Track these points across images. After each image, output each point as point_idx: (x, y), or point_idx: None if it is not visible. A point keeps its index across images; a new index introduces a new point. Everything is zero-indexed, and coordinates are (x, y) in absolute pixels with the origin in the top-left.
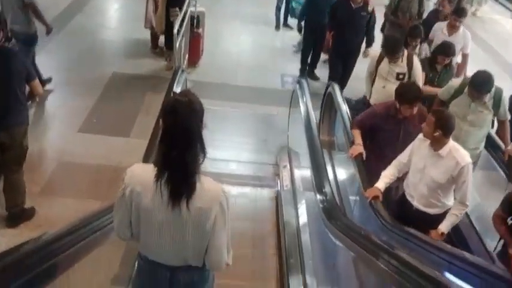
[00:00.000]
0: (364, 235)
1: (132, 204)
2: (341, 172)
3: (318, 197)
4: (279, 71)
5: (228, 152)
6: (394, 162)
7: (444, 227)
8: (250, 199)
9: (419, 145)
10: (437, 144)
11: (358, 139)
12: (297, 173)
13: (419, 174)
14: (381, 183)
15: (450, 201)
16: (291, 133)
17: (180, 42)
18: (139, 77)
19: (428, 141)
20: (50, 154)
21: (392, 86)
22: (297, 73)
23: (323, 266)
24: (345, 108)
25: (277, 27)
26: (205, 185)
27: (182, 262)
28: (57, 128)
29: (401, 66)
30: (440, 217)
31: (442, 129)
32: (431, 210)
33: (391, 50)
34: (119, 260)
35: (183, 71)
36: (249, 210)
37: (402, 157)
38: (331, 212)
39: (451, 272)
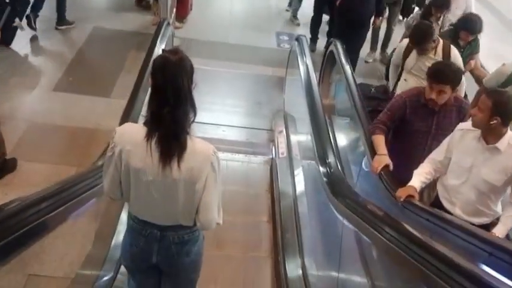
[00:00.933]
0: (380, 216)
1: (121, 163)
2: (341, 138)
3: (321, 169)
4: (274, 30)
5: (219, 116)
6: (428, 160)
7: (500, 231)
8: (242, 167)
9: (462, 138)
10: (492, 135)
11: (382, 147)
12: (294, 139)
13: (465, 175)
14: (416, 182)
15: (499, 207)
16: (288, 96)
17: None
18: (122, 33)
19: (475, 132)
20: (21, 114)
21: (423, 83)
22: (294, 32)
23: (322, 240)
24: (349, 68)
25: None
26: (196, 145)
27: (172, 222)
28: (30, 86)
29: (434, 60)
30: (486, 228)
31: (502, 115)
32: (478, 220)
33: (419, 40)
34: (92, 237)
35: (168, 24)
36: (241, 180)
37: (436, 155)
38: (338, 187)
39: (488, 265)
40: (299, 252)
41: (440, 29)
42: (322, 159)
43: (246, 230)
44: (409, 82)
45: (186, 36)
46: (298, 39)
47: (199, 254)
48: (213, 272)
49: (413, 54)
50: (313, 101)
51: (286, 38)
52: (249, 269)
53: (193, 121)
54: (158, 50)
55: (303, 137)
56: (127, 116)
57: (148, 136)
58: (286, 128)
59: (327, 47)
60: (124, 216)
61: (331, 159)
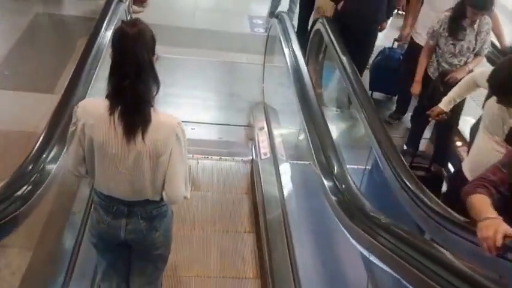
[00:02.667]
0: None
1: (85, 138)
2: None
3: (327, 183)
4: (246, 13)
5: (185, 111)
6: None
7: None
8: (216, 173)
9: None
10: None
11: (490, 210)
12: (278, 136)
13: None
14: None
15: None
16: (268, 86)
17: None
18: (70, 19)
19: None
20: None
21: (495, 146)
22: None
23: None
24: (343, 48)
25: None
26: (160, 117)
27: (139, 197)
28: None
29: None
30: None
31: None
32: None
33: (501, 90)
34: None
35: (121, 0)
36: (215, 189)
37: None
38: (356, 207)
39: None
40: (293, 280)
41: (476, 35)
42: (327, 170)
43: (224, 245)
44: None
45: (147, 22)
46: (279, 16)
47: (168, 230)
48: None
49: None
50: (304, 89)
51: (260, 22)
52: None
53: (156, 94)
54: (105, 34)
55: (289, 132)
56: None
57: (111, 110)
58: (268, 123)
59: (311, 27)
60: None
61: (338, 169)
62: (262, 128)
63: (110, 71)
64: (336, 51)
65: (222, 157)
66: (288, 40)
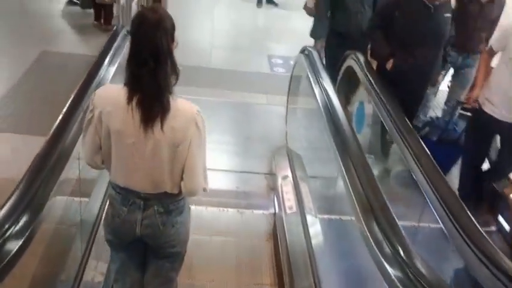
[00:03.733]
0: None
1: (102, 126)
2: None
3: (391, 270)
4: (265, 52)
5: None
6: None
7: None
8: (231, 231)
9: None
10: None
11: None
12: (305, 186)
13: None
14: None
15: None
16: (292, 129)
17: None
18: (76, 57)
19: None
20: None
21: None
22: (289, 53)
23: None
24: (383, 86)
25: (259, 2)
26: (179, 105)
27: (157, 189)
28: None
29: None
30: None
31: None
32: None
33: None
34: None
35: (128, 32)
36: (231, 251)
37: None
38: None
39: None
40: None
41: None
42: (391, 255)
43: None
44: None
45: None
46: (305, 52)
47: (185, 226)
48: None
49: None
50: (344, 136)
51: (280, 61)
52: None
53: (175, 83)
54: (107, 71)
55: (318, 182)
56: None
57: (129, 97)
58: (293, 171)
59: (343, 59)
60: None
61: (398, 237)
62: (286, 177)
63: (128, 58)
64: (374, 89)
65: (240, 209)
66: (317, 77)
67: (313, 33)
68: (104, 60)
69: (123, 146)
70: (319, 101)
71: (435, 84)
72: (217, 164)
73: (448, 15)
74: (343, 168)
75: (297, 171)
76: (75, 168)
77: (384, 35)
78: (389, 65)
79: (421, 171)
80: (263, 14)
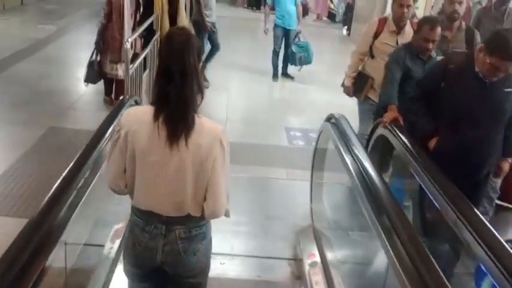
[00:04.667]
0: None
1: (127, 147)
2: None
3: None
4: (283, 125)
5: (213, 240)
6: None
7: None
8: None
9: None
10: None
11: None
12: (338, 275)
13: None
14: None
15: None
16: (318, 206)
17: (140, 70)
18: (83, 133)
19: None
20: None
21: None
22: (308, 126)
23: None
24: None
25: (275, 76)
26: (204, 123)
27: (179, 211)
28: None
29: None
30: None
31: None
32: None
33: None
34: None
35: (137, 102)
36: None
37: None
38: None
39: None
40: None
41: None
42: None
43: None
44: None
45: None
46: (332, 120)
47: (206, 256)
48: None
49: None
50: (391, 216)
51: (299, 134)
52: None
53: (200, 103)
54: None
55: (355, 270)
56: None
57: (156, 115)
58: (322, 256)
59: (373, 128)
60: None
61: None
62: (314, 264)
63: (155, 76)
64: (417, 161)
65: None
66: (349, 147)
67: (387, 98)
68: (105, 133)
69: (148, 165)
70: (352, 171)
71: (499, 174)
72: (234, 248)
73: (510, 90)
74: (390, 248)
75: (328, 256)
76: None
77: (426, 107)
78: (431, 143)
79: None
80: (279, 87)
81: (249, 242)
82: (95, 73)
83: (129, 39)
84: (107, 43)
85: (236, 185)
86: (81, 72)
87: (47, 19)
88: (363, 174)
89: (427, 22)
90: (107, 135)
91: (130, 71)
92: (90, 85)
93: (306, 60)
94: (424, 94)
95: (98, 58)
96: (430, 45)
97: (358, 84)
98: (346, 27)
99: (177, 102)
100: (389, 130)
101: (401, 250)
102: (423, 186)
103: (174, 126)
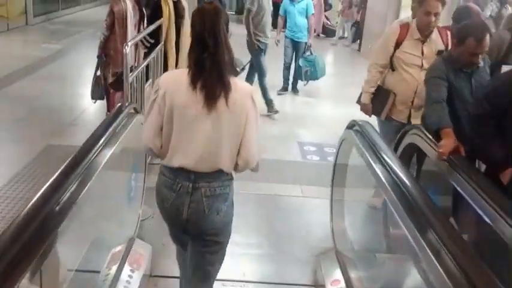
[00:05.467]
0: None
1: (165, 106)
2: None
3: None
4: (295, 139)
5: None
6: None
7: None
8: None
9: None
10: None
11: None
12: None
13: None
14: None
15: None
16: (340, 225)
17: (142, 79)
18: None
19: None
20: None
21: None
22: (321, 140)
23: None
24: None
25: (285, 89)
26: (237, 83)
27: (212, 166)
28: None
29: None
30: None
31: None
32: None
33: None
34: None
35: (136, 110)
36: None
37: None
38: None
39: None
40: None
41: None
42: None
43: None
44: None
45: None
46: (356, 127)
47: (228, 218)
48: None
49: None
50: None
51: (313, 148)
52: None
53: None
54: (101, 153)
55: None
56: None
57: (193, 81)
58: (348, 281)
59: (400, 136)
60: None
61: None
62: None
63: (190, 47)
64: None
65: None
66: (379, 155)
67: (438, 120)
68: (97, 142)
69: (186, 121)
70: (385, 182)
71: None
72: (246, 274)
73: None
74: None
75: (355, 283)
76: None
77: (496, 128)
78: (505, 176)
79: None
80: (289, 100)
81: (263, 266)
82: (101, 88)
83: (129, 43)
84: (109, 56)
85: (248, 202)
86: (84, 89)
87: (51, 38)
88: (398, 185)
89: (472, 34)
90: (100, 143)
91: (130, 78)
92: (93, 102)
93: (312, 76)
94: (495, 112)
95: (100, 72)
96: (478, 59)
97: (377, 101)
98: (354, 43)
99: (213, 67)
100: (421, 138)
101: (454, 272)
102: (471, 202)
103: (212, 90)
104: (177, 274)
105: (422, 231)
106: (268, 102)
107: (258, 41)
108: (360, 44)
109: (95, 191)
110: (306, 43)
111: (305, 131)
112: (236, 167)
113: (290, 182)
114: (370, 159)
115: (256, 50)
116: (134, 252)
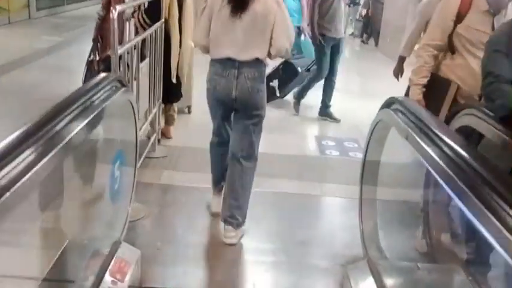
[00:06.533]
0: None
1: (212, 12)
2: None
3: None
4: (312, 133)
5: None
6: None
7: None
8: None
9: None
10: None
11: None
12: None
13: None
14: None
15: None
16: (371, 229)
17: (136, 56)
18: None
19: None
20: None
21: None
22: (340, 135)
23: None
24: None
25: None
26: None
27: (250, 55)
28: None
29: None
30: None
31: None
32: None
33: None
34: None
35: (122, 84)
36: None
37: None
38: None
39: None
40: None
41: None
42: None
43: None
44: None
45: (185, 145)
46: (395, 105)
47: (264, 93)
48: None
49: None
50: None
51: (331, 143)
52: None
53: None
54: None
55: None
56: None
57: None
58: None
59: (450, 115)
60: None
61: None
62: None
63: None
64: None
65: None
66: (434, 137)
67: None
68: (62, 111)
69: (227, 23)
70: (446, 168)
71: None
72: (257, 286)
73: None
74: None
75: None
76: None
77: None
78: None
79: None
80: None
81: (280, 276)
82: (94, 73)
83: (118, 7)
84: (106, 38)
85: (262, 202)
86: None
87: (53, 32)
88: (467, 172)
89: None
90: (67, 112)
91: (120, 51)
92: None
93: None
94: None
95: (97, 57)
96: None
97: (433, 96)
98: (365, 36)
99: None
100: (480, 118)
101: None
102: None
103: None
104: (172, 285)
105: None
106: (297, 99)
107: (323, 34)
108: (370, 38)
109: (54, 175)
110: (299, 27)
111: (322, 124)
112: (269, 55)
113: (308, 179)
114: (419, 141)
115: (318, 45)
116: (118, 259)
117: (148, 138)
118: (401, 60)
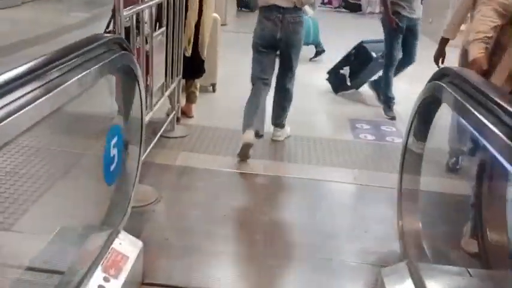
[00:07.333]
0: None
1: None
2: None
3: None
4: (345, 115)
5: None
6: None
7: None
8: None
9: None
10: None
11: None
12: None
13: None
14: None
15: None
16: (413, 226)
17: (150, 24)
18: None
19: None
20: None
21: None
22: (376, 118)
23: None
24: None
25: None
26: None
27: (290, 3)
28: None
29: None
30: None
31: None
32: None
33: None
34: None
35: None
36: None
37: None
38: None
39: None
40: None
41: None
42: None
43: None
44: None
45: (210, 124)
46: (449, 78)
47: (302, 37)
48: None
49: None
50: None
51: (366, 126)
52: None
53: None
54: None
55: None
56: None
57: None
58: None
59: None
60: None
61: None
62: None
63: None
64: None
65: None
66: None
67: None
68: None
69: None
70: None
71: None
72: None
73: None
74: None
75: None
76: None
77: None
78: None
79: None
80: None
81: (306, 277)
82: None
83: None
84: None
85: (289, 189)
86: None
87: (83, 8)
88: None
89: None
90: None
91: (127, 13)
92: None
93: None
94: None
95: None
96: None
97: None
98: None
99: None
100: None
101: None
102: None
103: None
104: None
105: None
106: (387, 101)
107: (397, 13)
108: None
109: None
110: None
111: (357, 106)
112: (300, 3)
113: (340, 165)
114: (485, 121)
115: (391, 28)
116: (114, 252)
117: (168, 115)
118: (444, 42)
